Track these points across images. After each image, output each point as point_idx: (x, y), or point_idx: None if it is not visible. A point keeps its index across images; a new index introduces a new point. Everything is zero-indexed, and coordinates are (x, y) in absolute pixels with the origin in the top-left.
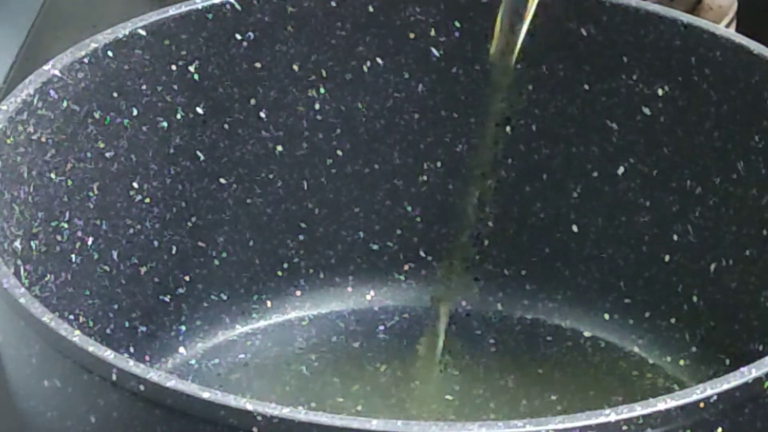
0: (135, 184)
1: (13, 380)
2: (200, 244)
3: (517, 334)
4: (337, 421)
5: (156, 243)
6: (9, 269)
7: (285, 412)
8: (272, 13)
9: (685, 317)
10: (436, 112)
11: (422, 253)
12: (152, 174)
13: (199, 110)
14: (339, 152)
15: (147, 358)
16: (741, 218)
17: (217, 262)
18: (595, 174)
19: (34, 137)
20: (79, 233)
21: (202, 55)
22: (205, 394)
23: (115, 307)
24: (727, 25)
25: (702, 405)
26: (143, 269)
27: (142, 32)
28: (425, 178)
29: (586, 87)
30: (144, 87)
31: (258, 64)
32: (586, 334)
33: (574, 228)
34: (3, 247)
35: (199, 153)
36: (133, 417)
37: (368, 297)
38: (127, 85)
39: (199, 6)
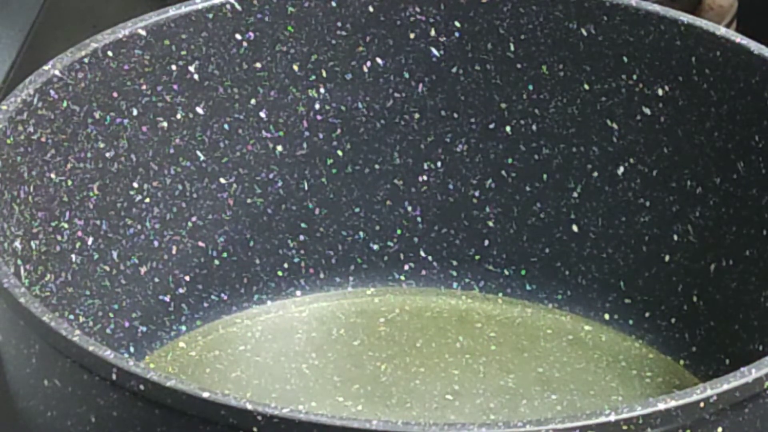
0: (135, 184)
1: (13, 380)
2: (200, 244)
3: (517, 335)
4: (337, 421)
5: (156, 243)
6: (9, 269)
7: (285, 412)
8: (272, 13)
9: (685, 317)
10: (436, 112)
11: (422, 253)
12: (152, 174)
13: (199, 110)
14: (339, 152)
15: (147, 358)
16: (741, 218)
17: (217, 262)
18: (595, 174)
19: (34, 137)
20: (79, 233)
21: (202, 55)
22: (205, 394)
23: (115, 307)
24: (727, 25)
25: (702, 405)
26: (143, 269)
27: (142, 32)
28: (425, 178)
29: (586, 87)
30: (144, 87)
31: (258, 64)
32: (587, 332)
33: (574, 228)
34: (3, 247)
35: (199, 153)
36: (133, 417)
37: (368, 296)
38: (127, 85)
39: (199, 6)
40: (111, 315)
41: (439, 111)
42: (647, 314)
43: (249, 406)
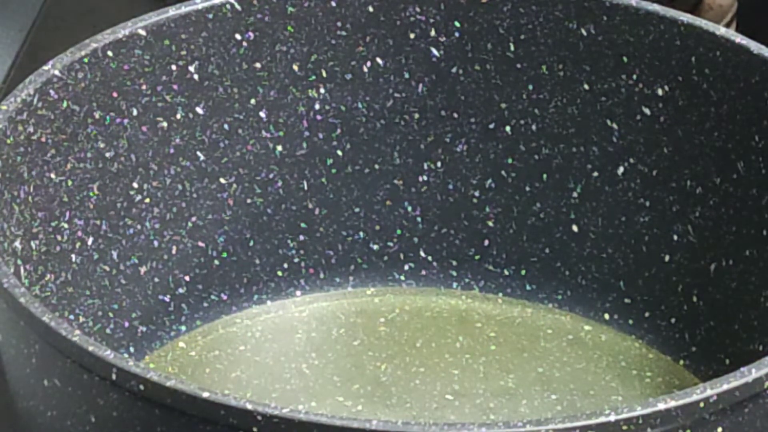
0: (135, 184)
1: (13, 380)
2: (200, 244)
3: (517, 335)
4: (337, 421)
5: (156, 243)
6: (9, 269)
7: (285, 412)
8: (272, 13)
9: (685, 317)
10: (436, 112)
11: (422, 253)
12: (152, 174)
13: (199, 110)
14: (339, 152)
15: (147, 358)
16: (741, 218)
17: (217, 262)
18: (595, 174)
19: (34, 137)
20: (79, 233)
21: (202, 55)
22: (205, 394)
23: (115, 307)
24: (727, 25)
25: (702, 405)
26: (143, 269)
27: (142, 32)
28: (425, 178)
29: (586, 87)
30: (144, 87)
31: (258, 64)
32: (587, 332)
33: (574, 228)
34: (3, 247)
35: (199, 153)
36: (133, 417)
37: (368, 296)
38: (127, 85)
39: (199, 6)
40: (111, 315)
41: (439, 111)
42: (647, 314)
43: (249, 406)
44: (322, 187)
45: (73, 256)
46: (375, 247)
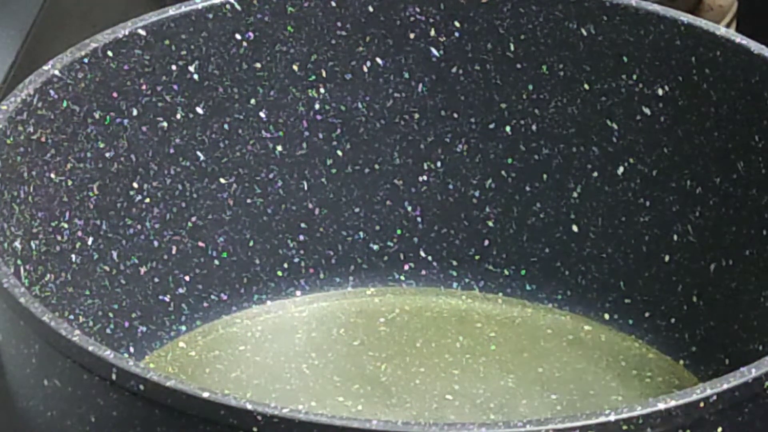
0: (135, 184)
1: (13, 380)
2: (200, 244)
3: (517, 335)
4: (337, 421)
5: (156, 243)
6: (9, 269)
7: (285, 412)
8: (272, 13)
9: (685, 317)
10: (436, 112)
11: (422, 253)
12: (152, 174)
13: (199, 110)
14: (339, 152)
15: (147, 358)
16: (741, 218)
17: (217, 262)
18: (595, 174)
19: (34, 137)
20: (79, 233)
21: (202, 55)
22: (205, 394)
23: (115, 307)
24: (727, 25)
25: (702, 405)
26: (143, 269)
27: (142, 32)
28: (425, 178)
29: (586, 87)
30: (144, 87)
31: (258, 64)
32: (587, 332)
33: (574, 228)
34: (3, 247)
35: (199, 153)
36: (133, 417)
37: (368, 296)
38: (127, 85)
39: (199, 6)
40: (111, 315)
41: (439, 111)
42: (647, 314)
43: (249, 406)
44: (322, 187)
45: (73, 256)
46: (375, 247)
